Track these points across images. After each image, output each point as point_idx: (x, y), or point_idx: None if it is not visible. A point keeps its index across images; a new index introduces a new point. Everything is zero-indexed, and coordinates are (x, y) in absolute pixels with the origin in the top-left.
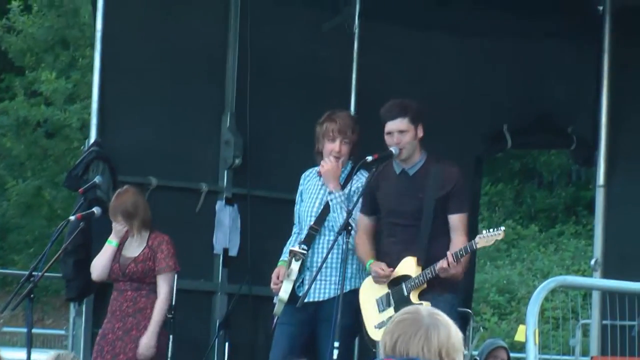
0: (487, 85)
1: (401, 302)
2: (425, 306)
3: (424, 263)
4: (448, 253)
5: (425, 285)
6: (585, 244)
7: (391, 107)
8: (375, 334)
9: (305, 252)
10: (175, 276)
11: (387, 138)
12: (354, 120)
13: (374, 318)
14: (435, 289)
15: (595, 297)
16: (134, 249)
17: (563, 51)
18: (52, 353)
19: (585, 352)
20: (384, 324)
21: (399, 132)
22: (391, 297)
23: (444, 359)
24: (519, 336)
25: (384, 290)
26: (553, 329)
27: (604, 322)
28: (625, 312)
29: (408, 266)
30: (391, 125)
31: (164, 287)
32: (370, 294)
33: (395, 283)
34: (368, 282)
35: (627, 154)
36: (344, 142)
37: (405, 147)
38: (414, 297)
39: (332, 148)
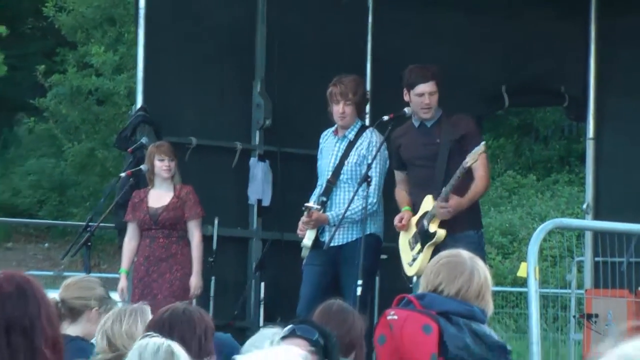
0: (486, 51)
1: (424, 235)
2: (465, 250)
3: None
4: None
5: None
6: (577, 190)
7: (421, 71)
8: (409, 270)
9: (318, 206)
10: (216, 224)
11: (416, 99)
12: (357, 83)
13: (408, 256)
14: (455, 227)
15: (588, 237)
16: (161, 199)
17: (555, 17)
18: (76, 277)
19: (580, 286)
20: (415, 258)
21: (430, 94)
22: (417, 234)
23: (480, 298)
24: (521, 272)
25: (412, 231)
26: (551, 266)
27: (596, 259)
28: (615, 250)
29: (427, 203)
30: (423, 88)
31: (197, 231)
32: (404, 238)
33: (420, 221)
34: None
35: (613, 110)
36: (347, 103)
37: (433, 107)
38: (432, 227)
39: (337, 109)
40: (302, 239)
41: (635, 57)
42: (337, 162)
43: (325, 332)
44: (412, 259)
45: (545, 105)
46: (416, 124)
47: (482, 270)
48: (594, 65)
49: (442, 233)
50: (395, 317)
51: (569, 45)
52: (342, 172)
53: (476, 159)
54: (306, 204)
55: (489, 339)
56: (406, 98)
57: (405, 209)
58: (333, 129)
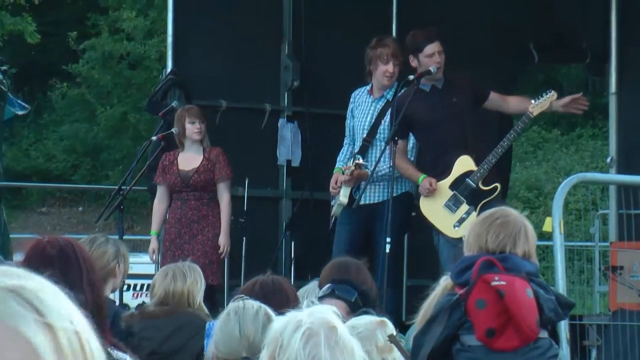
0: (510, 11)
1: (472, 194)
2: (510, 208)
3: (475, 157)
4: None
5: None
6: (601, 144)
7: (425, 33)
8: (456, 232)
9: (366, 163)
10: (247, 184)
11: (427, 60)
12: (400, 45)
13: (450, 219)
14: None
15: (612, 190)
16: (191, 161)
17: None
18: (88, 236)
19: (604, 239)
20: (464, 219)
21: (438, 53)
22: (460, 196)
23: (532, 252)
24: (547, 226)
25: (447, 194)
26: (576, 220)
27: (620, 211)
28: (639, 202)
29: (465, 164)
30: (434, 47)
31: (226, 192)
32: (433, 205)
33: (458, 183)
34: (423, 199)
35: (634, 65)
36: (396, 64)
37: (442, 65)
38: (482, 186)
39: (387, 69)
40: (332, 197)
41: None
42: (372, 121)
43: (365, 292)
44: (457, 220)
45: (568, 62)
46: (426, 88)
47: (531, 227)
48: (616, 20)
49: (499, 187)
50: (503, 282)
51: (589, 1)
52: (378, 131)
53: (546, 106)
54: (357, 162)
55: (563, 298)
56: (413, 64)
57: (424, 177)
58: (368, 88)
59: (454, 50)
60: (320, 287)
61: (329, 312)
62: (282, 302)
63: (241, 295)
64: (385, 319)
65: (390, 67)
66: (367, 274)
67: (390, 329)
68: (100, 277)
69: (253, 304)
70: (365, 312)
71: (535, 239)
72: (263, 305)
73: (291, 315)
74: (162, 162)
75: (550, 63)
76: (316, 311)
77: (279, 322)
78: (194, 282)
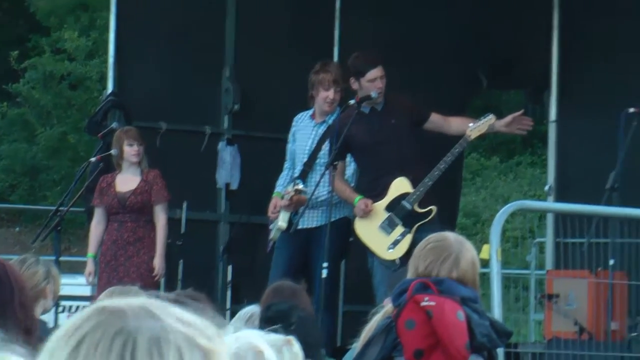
0: (457, 37)
1: (408, 217)
2: (451, 233)
3: (412, 178)
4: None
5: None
6: (540, 172)
7: (371, 57)
8: (390, 255)
9: (306, 189)
10: (185, 207)
11: (369, 85)
12: (342, 70)
13: (384, 242)
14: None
15: (550, 218)
16: (128, 183)
17: (519, 4)
18: (18, 257)
19: (541, 267)
20: (398, 241)
21: (380, 78)
22: (395, 217)
23: (468, 278)
24: (484, 254)
25: (383, 216)
26: (513, 247)
27: (557, 239)
28: (576, 231)
29: (402, 185)
30: (376, 73)
31: (163, 215)
32: (369, 226)
33: (394, 205)
34: (359, 220)
35: (574, 94)
36: (337, 90)
37: (383, 90)
38: (418, 208)
39: (328, 95)
40: (271, 221)
41: (597, 43)
42: (314, 146)
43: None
44: (391, 242)
45: (510, 89)
46: (366, 110)
47: (470, 251)
48: (557, 49)
49: (435, 210)
50: (433, 303)
51: (531, 29)
52: (318, 156)
53: (484, 129)
54: (297, 187)
55: (500, 325)
56: (354, 86)
57: (360, 198)
58: (310, 112)
59: (397, 75)
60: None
61: (256, 336)
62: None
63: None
64: (292, 338)
65: (331, 94)
66: (303, 296)
67: (297, 348)
68: (31, 297)
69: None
70: (274, 331)
71: (474, 266)
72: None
73: None
74: (100, 184)
75: (496, 89)
76: (243, 336)
77: None
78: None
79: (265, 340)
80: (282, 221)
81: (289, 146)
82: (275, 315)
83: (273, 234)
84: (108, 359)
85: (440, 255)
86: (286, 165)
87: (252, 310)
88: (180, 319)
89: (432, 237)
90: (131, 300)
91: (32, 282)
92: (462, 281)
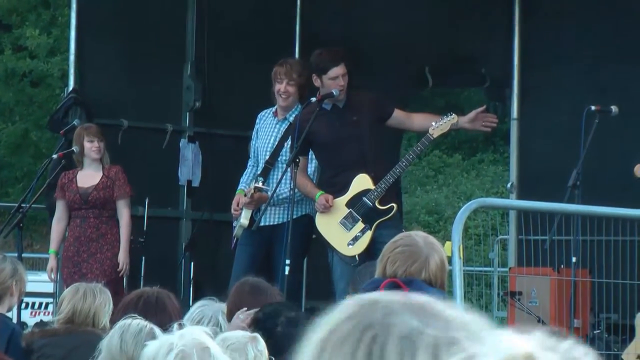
0: (409, 32)
1: (368, 213)
2: (419, 232)
3: (374, 175)
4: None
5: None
6: (502, 169)
7: (331, 55)
8: (350, 251)
9: (267, 187)
10: (147, 204)
11: (331, 82)
12: (302, 66)
13: (345, 237)
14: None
15: (512, 215)
16: (90, 179)
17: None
18: None
19: (503, 264)
20: (358, 237)
21: (342, 76)
22: (355, 214)
23: (438, 278)
24: (446, 251)
25: (343, 212)
26: (475, 244)
27: (520, 237)
28: (538, 228)
29: (363, 182)
30: (338, 71)
31: (126, 210)
32: (329, 222)
33: (354, 201)
34: (319, 216)
35: (535, 91)
36: (289, 83)
37: (345, 88)
38: (379, 205)
39: (279, 88)
40: (234, 219)
41: (557, 38)
42: (276, 143)
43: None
44: (351, 238)
45: (467, 87)
46: (328, 107)
47: (439, 252)
48: (518, 47)
49: (395, 207)
50: None
51: (491, 27)
52: (280, 153)
53: (447, 129)
54: (256, 185)
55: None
56: (316, 83)
57: (321, 194)
58: (273, 109)
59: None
60: (231, 311)
61: (201, 332)
62: (164, 320)
63: (133, 315)
64: (257, 335)
65: (282, 87)
66: (270, 290)
67: (262, 345)
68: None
69: (139, 322)
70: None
71: (443, 267)
72: (149, 324)
73: (163, 339)
74: (61, 179)
75: (447, 87)
76: (187, 333)
77: (151, 347)
78: (102, 303)
79: (225, 337)
80: (244, 218)
81: (253, 143)
82: (265, 318)
83: (236, 231)
84: (356, 351)
85: (408, 259)
86: (250, 162)
87: (204, 312)
88: (453, 320)
89: (401, 239)
90: (406, 297)
91: None
92: (430, 282)
